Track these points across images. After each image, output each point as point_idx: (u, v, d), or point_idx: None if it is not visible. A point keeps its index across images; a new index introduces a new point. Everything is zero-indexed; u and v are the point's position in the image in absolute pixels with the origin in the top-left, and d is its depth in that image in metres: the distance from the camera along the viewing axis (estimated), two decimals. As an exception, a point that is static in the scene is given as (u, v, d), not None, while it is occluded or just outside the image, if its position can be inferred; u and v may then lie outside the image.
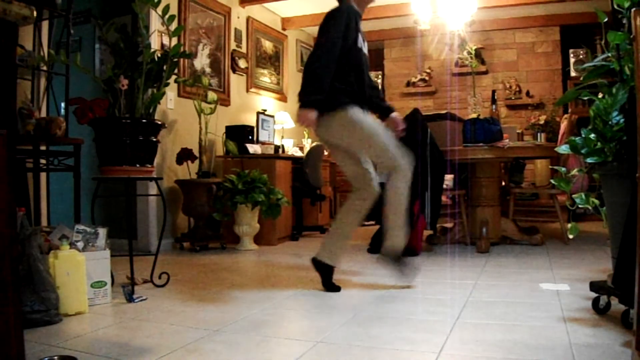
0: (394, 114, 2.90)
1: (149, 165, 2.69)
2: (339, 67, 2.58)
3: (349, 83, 2.62)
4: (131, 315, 2.23)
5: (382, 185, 4.04)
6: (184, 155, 4.20)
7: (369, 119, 2.66)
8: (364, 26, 2.81)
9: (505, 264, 3.31)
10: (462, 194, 4.17)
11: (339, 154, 2.77)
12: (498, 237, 4.08)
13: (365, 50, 2.74)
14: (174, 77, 2.97)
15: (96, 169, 2.70)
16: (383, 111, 2.94)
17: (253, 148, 4.81)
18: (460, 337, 1.85)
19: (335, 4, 2.72)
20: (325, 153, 5.22)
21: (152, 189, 3.62)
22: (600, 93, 2.02)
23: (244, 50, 5.53)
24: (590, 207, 2.07)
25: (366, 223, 5.68)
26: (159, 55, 2.79)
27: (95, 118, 2.61)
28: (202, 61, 4.87)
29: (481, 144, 3.83)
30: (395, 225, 2.68)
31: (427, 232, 4.15)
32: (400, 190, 2.63)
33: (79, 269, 2.28)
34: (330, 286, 2.70)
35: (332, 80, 2.57)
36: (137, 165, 2.62)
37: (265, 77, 5.99)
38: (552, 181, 2.28)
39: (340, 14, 2.59)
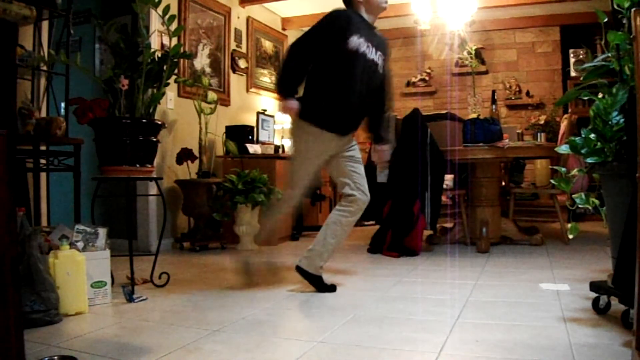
0: (381, 147, 2.84)
1: (149, 165, 2.69)
2: (320, 72, 2.58)
3: (326, 90, 2.56)
4: (131, 315, 2.23)
5: (382, 185, 4.06)
6: (184, 155, 4.19)
7: (311, 152, 2.61)
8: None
9: (505, 264, 3.31)
10: (462, 194, 4.16)
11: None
12: (498, 237, 4.08)
13: (371, 57, 2.60)
14: (174, 77, 2.98)
15: (96, 169, 2.70)
16: (374, 136, 2.86)
17: (253, 148, 4.81)
18: (460, 337, 1.85)
19: (338, 4, 2.72)
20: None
21: (152, 189, 3.62)
22: (600, 93, 2.02)
23: (244, 50, 5.53)
24: (590, 207, 2.07)
25: (366, 223, 5.71)
26: (159, 55, 2.79)
27: (95, 118, 2.61)
28: (202, 61, 4.87)
29: (481, 144, 3.83)
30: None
31: (427, 232, 4.15)
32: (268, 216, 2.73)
33: (79, 269, 2.28)
34: (325, 288, 2.65)
35: (312, 86, 2.60)
36: (137, 165, 2.62)
37: (265, 77, 5.99)
38: (552, 181, 2.28)
39: (326, 17, 2.58)
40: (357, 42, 2.53)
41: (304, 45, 2.57)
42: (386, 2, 2.67)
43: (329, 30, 2.54)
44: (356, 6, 2.65)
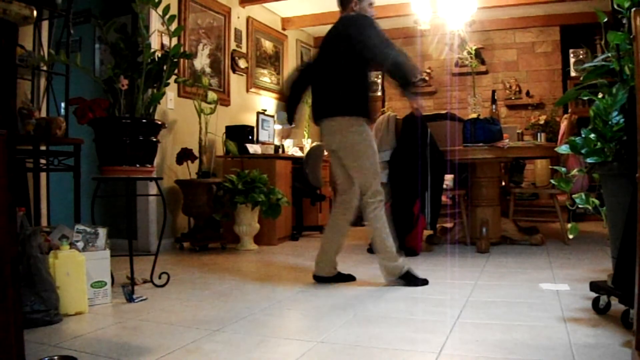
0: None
1: (149, 165, 2.69)
2: (363, 80, 2.76)
3: (368, 102, 2.77)
4: (131, 315, 2.23)
5: (382, 185, 4.05)
6: (184, 155, 4.19)
7: (373, 142, 2.79)
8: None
9: (505, 264, 3.31)
10: (462, 194, 4.16)
11: (336, 161, 2.89)
12: (498, 237, 4.08)
13: None
14: (174, 77, 2.97)
15: (96, 169, 2.70)
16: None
17: (253, 148, 4.81)
18: (460, 337, 1.85)
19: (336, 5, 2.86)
20: (325, 153, 5.21)
21: (152, 189, 3.62)
22: (600, 93, 2.02)
23: (244, 50, 5.53)
24: (590, 207, 2.07)
25: (366, 223, 5.70)
26: (159, 55, 2.79)
27: (95, 118, 2.61)
28: (202, 61, 4.87)
29: (481, 144, 3.83)
30: (381, 251, 2.81)
31: (427, 232, 4.15)
32: (372, 226, 2.79)
33: (79, 269, 2.28)
34: (347, 278, 2.90)
35: (359, 88, 2.75)
36: (137, 165, 2.62)
37: (265, 77, 5.99)
38: (552, 181, 2.28)
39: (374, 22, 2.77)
40: None
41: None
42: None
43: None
44: (349, 11, 2.82)
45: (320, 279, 2.88)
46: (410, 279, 2.75)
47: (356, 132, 2.71)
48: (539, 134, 5.00)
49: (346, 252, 3.99)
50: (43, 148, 3.13)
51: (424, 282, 2.77)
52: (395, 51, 2.66)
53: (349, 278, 2.90)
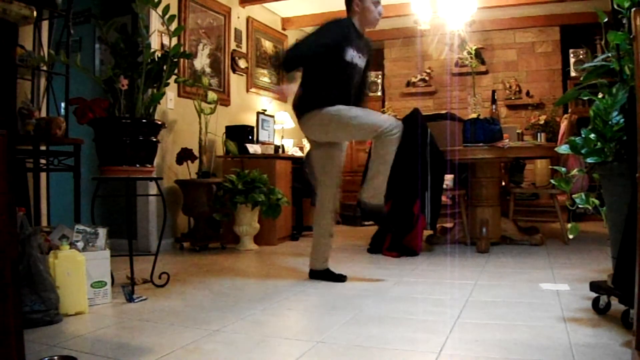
0: None
1: (149, 165, 2.69)
2: (323, 76, 2.80)
3: (331, 94, 2.79)
4: (131, 315, 2.23)
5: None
6: (184, 155, 4.19)
7: (344, 108, 2.78)
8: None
9: (505, 264, 3.31)
10: (462, 194, 4.16)
11: (317, 154, 2.97)
12: (498, 237, 4.08)
13: (359, 64, 2.89)
14: (174, 77, 2.97)
15: (96, 169, 2.70)
16: None
17: (253, 148, 4.81)
18: (460, 337, 1.85)
19: (337, 4, 2.84)
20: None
21: (152, 189, 3.62)
22: (600, 93, 2.02)
23: (244, 50, 5.53)
24: (590, 207, 2.07)
25: (366, 223, 5.70)
26: (159, 55, 2.79)
27: (95, 118, 2.61)
28: (202, 61, 4.87)
29: (481, 144, 3.83)
30: (372, 179, 2.82)
31: (427, 232, 4.15)
32: (385, 150, 2.79)
33: (79, 269, 2.28)
34: (337, 278, 2.88)
35: (314, 87, 2.82)
36: (137, 165, 2.62)
37: (265, 77, 5.99)
38: (552, 181, 2.28)
39: (339, 24, 2.82)
40: (351, 54, 2.81)
41: (319, 40, 2.77)
42: (377, 21, 2.90)
43: (335, 35, 2.77)
44: (352, 13, 2.87)
45: (312, 273, 2.97)
46: (380, 219, 2.88)
47: (319, 119, 2.78)
48: (539, 134, 5.01)
49: (346, 252, 3.99)
50: (43, 148, 3.13)
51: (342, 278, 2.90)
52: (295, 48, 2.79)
53: (338, 278, 2.89)
